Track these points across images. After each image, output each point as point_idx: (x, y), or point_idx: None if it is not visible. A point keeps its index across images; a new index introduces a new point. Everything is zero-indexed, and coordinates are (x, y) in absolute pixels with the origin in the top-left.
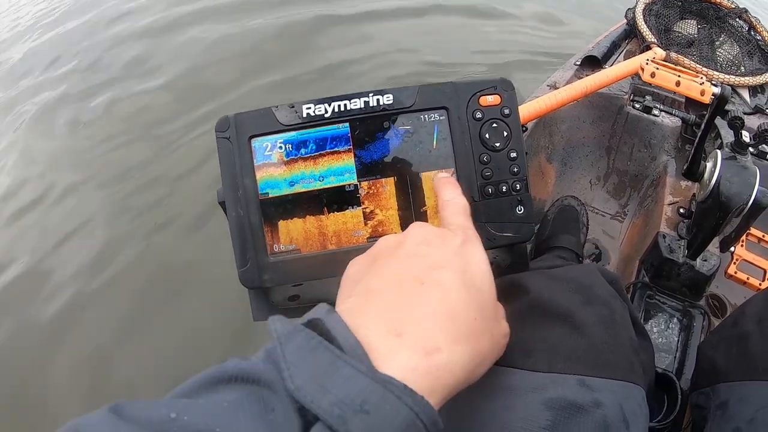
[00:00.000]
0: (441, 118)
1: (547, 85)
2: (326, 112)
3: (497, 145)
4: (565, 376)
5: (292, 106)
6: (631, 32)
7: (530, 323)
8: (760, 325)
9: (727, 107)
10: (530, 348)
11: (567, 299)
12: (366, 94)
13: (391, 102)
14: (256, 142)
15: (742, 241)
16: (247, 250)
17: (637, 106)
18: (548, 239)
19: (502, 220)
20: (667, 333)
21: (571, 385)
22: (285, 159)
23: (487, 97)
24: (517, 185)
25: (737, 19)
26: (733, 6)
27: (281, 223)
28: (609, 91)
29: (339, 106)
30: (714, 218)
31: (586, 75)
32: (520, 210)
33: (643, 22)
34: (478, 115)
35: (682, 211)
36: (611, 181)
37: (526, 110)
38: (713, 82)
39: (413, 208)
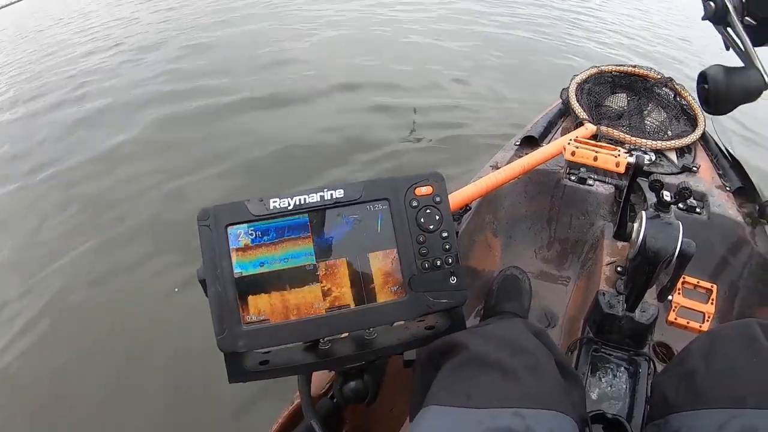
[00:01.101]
0: (384, 207)
1: (490, 166)
2: (289, 204)
3: (431, 227)
4: (501, 410)
5: (261, 200)
6: (566, 111)
7: (469, 372)
8: (706, 361)
9: (652, 170)
10: (470, 392)
11: (497, 352)
12: (321, 189)
13: (342, 195)
14: (231, 230)
15: (679, 289)
16: (224, 321)
17: (573, 178)
18: (494, 306)
19: (439, 289)
20: (615, 381)
21: (507, 416)
22: (255, 244)
23: (422, 188)
24: (449, 259)
25: (664, 88)
26: (659, 76)
27: (251, 298)
28: (547, 167)
29: (299, 200)
30: (645, 273)
31: (526, 154)
32: (453, 280)
33: (575, 101)
34: (414, 203)
35: (619, 269)
36: (554, 249)
37: (469, 191)
38: (642, 149)
39: (363, 284)
